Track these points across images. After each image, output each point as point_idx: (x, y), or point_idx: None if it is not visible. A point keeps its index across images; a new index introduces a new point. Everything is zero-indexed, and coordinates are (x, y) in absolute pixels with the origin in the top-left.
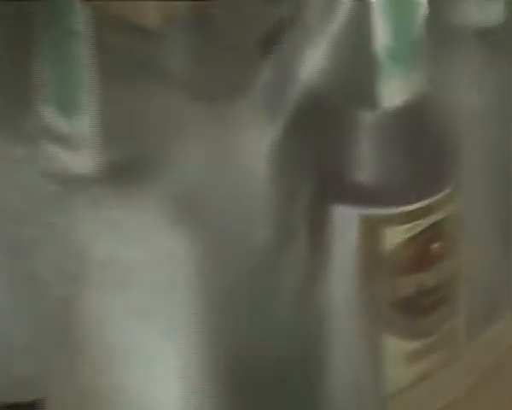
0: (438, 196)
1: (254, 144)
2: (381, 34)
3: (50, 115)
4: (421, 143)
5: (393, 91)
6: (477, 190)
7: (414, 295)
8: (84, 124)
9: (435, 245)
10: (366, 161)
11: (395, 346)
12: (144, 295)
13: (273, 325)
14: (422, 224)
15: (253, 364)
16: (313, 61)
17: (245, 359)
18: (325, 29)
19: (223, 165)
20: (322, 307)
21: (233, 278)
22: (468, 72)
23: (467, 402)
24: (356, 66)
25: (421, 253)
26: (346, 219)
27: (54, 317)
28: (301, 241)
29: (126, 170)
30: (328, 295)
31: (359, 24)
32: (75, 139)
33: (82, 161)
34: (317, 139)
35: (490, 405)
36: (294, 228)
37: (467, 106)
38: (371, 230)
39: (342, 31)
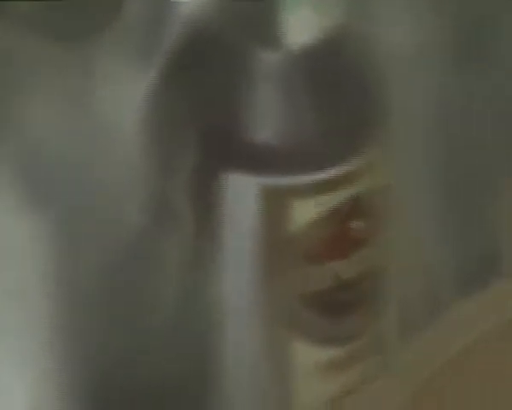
0: (359, 161)
1: (122, 97)
2: None
3: None
4: (338, 93)
5: (301, 25)
6: (412, 153)
7: (330, 288)
8: None
9: (356, 224)
10: (267, 116)
11: (307, 354)
12: None
13: (150, 333)
14: (340, 196)
15: (124, 383)
16: None
17: (112, 377)
18: None
19: (80, 125)
20: (213, 305)
21: (97, 276)
22: (401, 2)
23: None
24: None
25: (339, 234)
26: (243, 191)
27: None
28: (185, 221)
29: None
30: (221, 291)
31: None
32: None
33: None
34: (203, 89)
35: None
36: (175, 205)
37: (400, 44)
38: (274, 204)
39: None
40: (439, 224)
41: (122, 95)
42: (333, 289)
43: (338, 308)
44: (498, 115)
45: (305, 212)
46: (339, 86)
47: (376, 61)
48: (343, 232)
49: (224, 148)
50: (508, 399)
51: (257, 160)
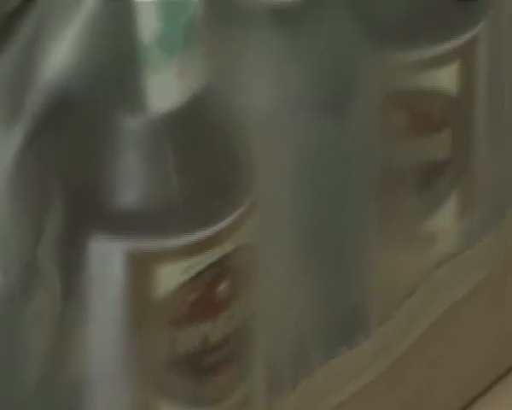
0: (225, 222)
1: None
2: (147, 18)
3: None
4: (202, 154)
5: (164, 90)
6: (278, 211)
7: (198, 351)
8: None
9: (223, 286)
10: (131, 180)
11: None
12: None
13: (13, 400)
14: (206, 259)
15: None
16: (59, 55)
17: None
18: (72, 16)
19: None
20: (79, 373)
21: None
22: (263, 61)
23: None
24: (116, 59)
25: (206, 297)
26: (108, 257)
27: None
28: (50, 287)
29: None
30: (87, 358)
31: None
32: None
33: None
34: (69, 152)
35: None
36: (42, 268)
37: (263, 103)
38: (140, 268)
39: (97, 17)
40: (307, 282)
41: None
42: (200, 352)
43: (205, 370)
44: (362, 168)
45: (171, 276)
46: (203, 149)
47: (240, 121)
48: (210, 295)
49: (89, 211)
50: None
51: (121, 223)
